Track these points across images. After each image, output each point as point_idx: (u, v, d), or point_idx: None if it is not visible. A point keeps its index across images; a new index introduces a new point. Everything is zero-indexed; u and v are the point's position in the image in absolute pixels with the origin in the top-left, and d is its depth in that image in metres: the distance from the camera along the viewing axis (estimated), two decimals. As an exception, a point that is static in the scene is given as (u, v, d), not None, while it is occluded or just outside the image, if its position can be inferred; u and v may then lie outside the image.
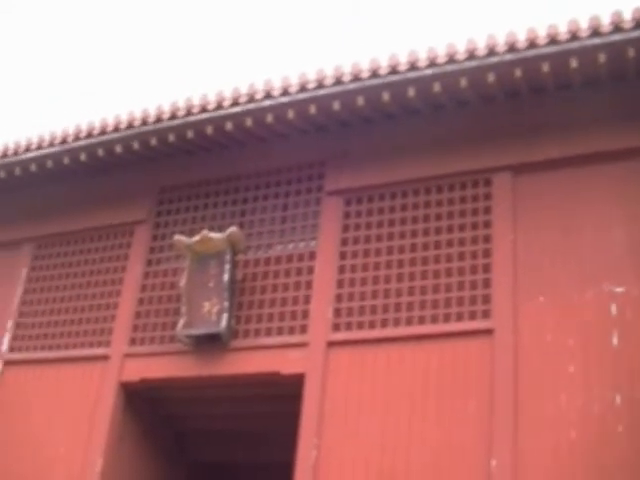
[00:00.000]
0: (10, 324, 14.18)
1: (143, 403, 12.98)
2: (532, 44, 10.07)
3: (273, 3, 37.69)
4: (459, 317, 10.50)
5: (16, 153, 13.99)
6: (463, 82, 10.56)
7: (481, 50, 10.31)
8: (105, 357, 12.83)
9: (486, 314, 10.35)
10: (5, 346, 14.05)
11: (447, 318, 10.56)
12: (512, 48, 10.17)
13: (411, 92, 10.86)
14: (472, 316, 10.43)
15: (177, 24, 43.43)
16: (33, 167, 13.96)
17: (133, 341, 12.74)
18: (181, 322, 12.07)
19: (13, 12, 42.04)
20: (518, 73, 10.36)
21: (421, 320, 10.70)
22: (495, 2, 28.87)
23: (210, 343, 11.89)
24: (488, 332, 10.22)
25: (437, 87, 10.71)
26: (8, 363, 13.91)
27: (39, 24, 44.27)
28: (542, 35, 10.08)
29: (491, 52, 10.25)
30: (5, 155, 14.10)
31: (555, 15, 10.49)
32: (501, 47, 10.23)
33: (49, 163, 13.79)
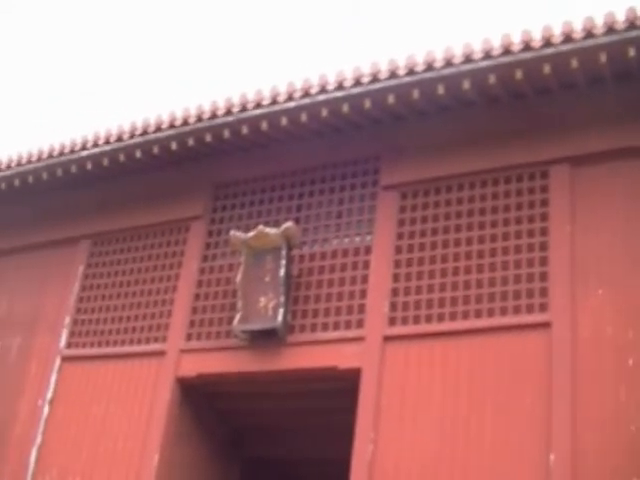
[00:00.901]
0: (67, 321, 14.62)
1: (199, 398, 13.31)
2: (589, 34, 10.20)
3: (272, 4, 38.08)
4: (516, 310, 10.63)
5: (72, 151, 14.42)
6: (518, 74, 10.70)
7: (536, 41, 10.45)
8: (161, 353, 13.19)
9: (543, 307, 10.47)
10: (63, 343, 14.49)
11: (504, 311, 10.70)
12: (568, 39, 10.30)
13: (466, 84, 11.03)
14: (529, 309, 10.56)
15: (176, 25, 43.85)
16: (89, 165, 14.38)
17: (189, 337, 13.07)
18: (237, 317, 12.36)
19: (13, 12, 42.66)
20: (574, 64, 10.48)
21: (478, 314, 10.85)
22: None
23: (266, 338, 12.16)
24: (546, 325, 10.34)
25: (492, 79, 10.87)
26: (66, 359, 14.35)
27: (39, 24, 44.91)
28: (599, 24, 10.20)
29: (547, 43, 10.38)
30: (62, 153, 14.53)
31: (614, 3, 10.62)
32: (557, 38, 10.36)
33: (105, 161, 14.20)
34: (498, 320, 10.69)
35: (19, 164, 15.06)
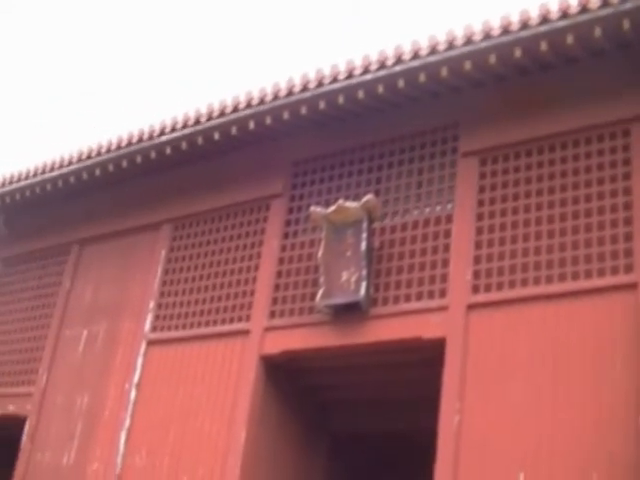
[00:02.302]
0: (152, 305, 15.23)
1: (284, 375, 13.74)
2: None
3: (270, 4, 38.39)
4: (600, 273, 10.73)
5: (151, 137, 15.03)
6: (597, 32, 10.84)
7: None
8: (245, 332, 13.66)
9: (629, 268, 10.54)
10: (148, 327, 15.10)
11: (588, 274, 10.80)
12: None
13: (544, 46, 11.21)
14: (614, 271, 10.64)
15: (176, 24, 44.48)
16: (168, 150, 14.98)
17: (273, 314, 13.50)
18: (320, 293, 12.71)
19: (13, 12, 43.58)
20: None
21: (561, 277, 10.96)
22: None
23: (349, 312, 12.50)
24: (632, 286, 10.39)
25: (570, 39, 11.03)
26: (151, 343, 14.97)
27: (39, 24, 45.80)
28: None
29: (624, -1, 10.56)
30: (140, 140, 15.16)
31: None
32: (633, -6, 10.53)
33: (183, 145, 14.78)
34: (583, 283, 10.78)
35: (99, 153, 15.76)
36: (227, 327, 14.01)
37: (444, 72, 12.01)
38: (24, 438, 16.18)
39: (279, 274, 13.74)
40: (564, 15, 10.90)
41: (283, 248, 13.90)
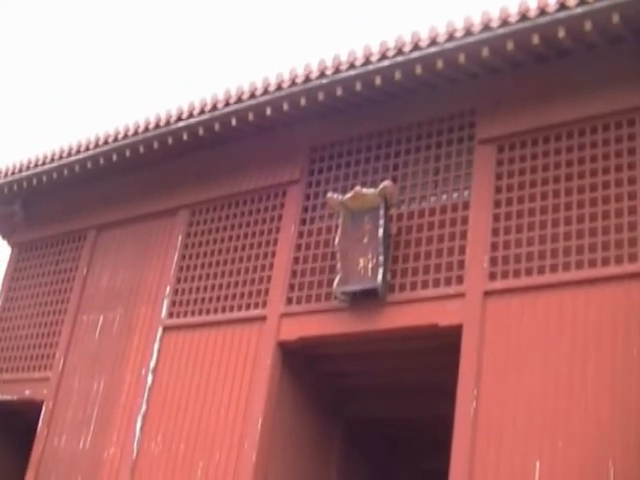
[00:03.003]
0: (168, 290, 15.38)
1: (300, 362, 13.88)
2: None
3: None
4: (618, 260, 10.78)
5: (168, 123, 15.15)
6: (615, 18, 10.88)
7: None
8: (262, 318, 13.78)
9: (644, 255, 10.63)
10: (164, 312, 15.25)
11: (606, 261, 10.86)
12: None
13: (561, 33, 11.27)
14: (632, 258, 10.68)
15: (177, 23, 44.68)
16: (185, 136, 15.10)
17: (289, 300, 13.62)
18: (337, 279, 12.81)
19: (13, 12, 43.76)
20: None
21: (579, 265, 11.02)
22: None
23: (366, 299, 12.60)
24: (649, 274, 10.49)
25: (588, 26, 11.08)
26: (167, 329, 15.11)
27: (39, 24, 45.96)
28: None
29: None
30: (157, 125, 15.28)
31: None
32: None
33: (200, 130, 14.89)
34: (600, 270, 10.83)
35: (116, 139, 15.89)
36: (243, 313, 14.14)
37: (461, 58, 12.05)
38: (40, 423, 16.41)
39: (296, 260, 13.85)
40: (582, 1, 10.93)
41: (300, 234, 14.00)
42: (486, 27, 11.64)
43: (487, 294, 11.65)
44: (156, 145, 15.49)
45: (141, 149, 15.70)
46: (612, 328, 10.51)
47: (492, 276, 11.72)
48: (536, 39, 11.46)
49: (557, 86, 12.06)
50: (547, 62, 12.16)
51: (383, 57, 12.59)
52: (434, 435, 13.17)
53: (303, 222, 14.09)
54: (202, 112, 14.68)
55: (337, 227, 13.16)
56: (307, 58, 13.46)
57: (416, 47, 12.26)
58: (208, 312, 14.68)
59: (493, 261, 11.78)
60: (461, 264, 12.06)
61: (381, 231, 12.53)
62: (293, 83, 13.53)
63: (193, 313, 14.90)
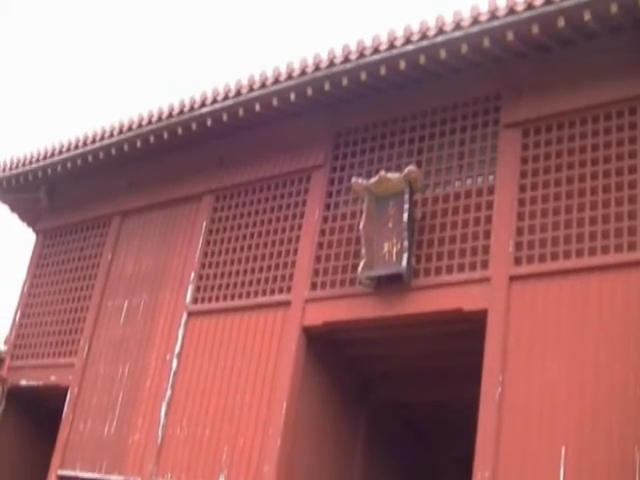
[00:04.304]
0: (193, 276, 15.52)
1: (325, 347, 13.97)
2: None
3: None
4: (645, 244, 10.82)
5: (192, 109, 15.26)
6: (642, 1, 10.88)
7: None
8: (287, 303, 13.89)
9: (674, 240, 10.62)
10: (189, 298, 15.39)
11: (632, 246, 10.85)
12: None
13: (587, 16, 11.25)
14: (658, 243, 10.73)
15: (177, 22, 44.73)
16: (209, 122, 15.20)
17: (314, 285, 13.72)
18: (361, 264, 12.88)
19: (13, 13, 43.95)
20: None
21: (605, 249, 11.03)
22: None
23: (391, 283, 12.67)
24: (679, 257, 10.50)
25: (614, 8, 11.06)
26: (192, 314, 15.26)
27: (39, 24, 46.12)
28: None
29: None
30: (181, 112, 15.39)
31: None
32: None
33: (224, 116, 14.98)
34: (626, 255, 10.84)
35: (140, 125, 16.02)
36: (268, 298, 14.24)
37: (486, 43, 12.06)
38: (66, 408, 16.64)
39: (320, 245, 13.93)
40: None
41: (324, 219, 14.09)
42: (511, 11, 11.65)
43: (512, 279, 11.66)
44: (180, 131, 15.62)
45: (165, 135, 15.84)
46: (638, 312, 10.51)
47: (517, 261, 11.74)
48: (562, 22, 11.45)
49: (582, 70, 12.05)
50: (572, 46, 12.16)
51: (407, 41, 12.61)
52: (459, 420, 13.23)
53: (327, 207, 14.17)
54: (226, 98, 14.78)
55: (361, 212, 13.23)
56: (315, 49, 13.51)
57: (440, 31, 12.28)
58: (233, 297, 14.79)
59: (518, 246, 11.80)
60: (486, 249, 12.09)
61: (406, 216, 12.57)
62: (317, 68, 13.58)
63: (218, 299, 15.02)
